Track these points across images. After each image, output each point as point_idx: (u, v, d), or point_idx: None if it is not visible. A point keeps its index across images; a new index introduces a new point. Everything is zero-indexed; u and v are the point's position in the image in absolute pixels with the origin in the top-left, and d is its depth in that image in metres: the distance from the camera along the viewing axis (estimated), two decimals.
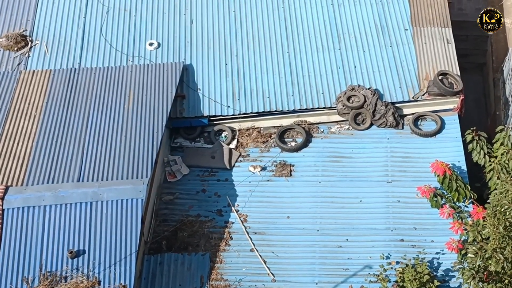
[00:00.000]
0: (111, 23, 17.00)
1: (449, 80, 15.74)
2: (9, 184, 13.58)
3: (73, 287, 12.39)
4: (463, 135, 14.44)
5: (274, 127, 15.74)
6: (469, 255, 12.21)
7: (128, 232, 12.94)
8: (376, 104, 15.43)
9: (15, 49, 16.51)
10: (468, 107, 16.73)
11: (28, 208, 13.18)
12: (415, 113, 15.62)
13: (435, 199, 13.81)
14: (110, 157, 14.03)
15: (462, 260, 12.65)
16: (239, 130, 15.76)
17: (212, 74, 16.19)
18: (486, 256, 11.87)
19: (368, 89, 15.67)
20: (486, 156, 13.68)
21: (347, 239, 13.94)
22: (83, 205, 13.22)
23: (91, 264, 12.69)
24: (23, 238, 12.90)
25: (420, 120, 15.62)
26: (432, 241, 13.77)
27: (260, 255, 13.83)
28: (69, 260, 12.70)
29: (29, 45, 16.62)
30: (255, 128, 15.78)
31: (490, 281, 12.00)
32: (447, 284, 13.23)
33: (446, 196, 13.92)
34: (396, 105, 15.60)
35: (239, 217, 14.37)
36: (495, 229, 11.61)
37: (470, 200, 13.84)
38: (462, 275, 12.10)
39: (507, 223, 11.56)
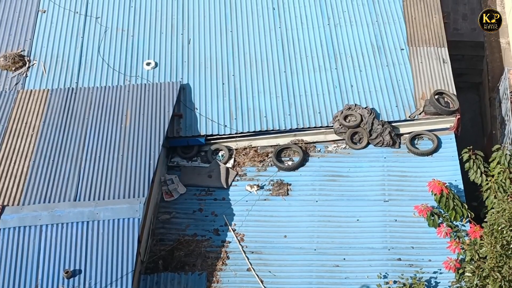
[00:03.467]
0: (109, 43, 17.05)
1: (446, 99, 15.80)
2: (5, 203, 13.54)
3: None
4: (459, 154, 14.47)
5: (271, 146, 15.75)
6: (466, 274, 12.18)
7: (125, 252, 12.88)
8: (372, 123, 15.45)
9: (13, 69, 16.55)
10: (465, 126, 16.78)
11: (24, 228, 13.13)
12: (411, 132, 15.65)
13: (432, 218, 13.76)
14: (106, 176, 14.01)
15: (460, 279, 12.62)
16: (236, 149, 15.77)
17: (209, 93, 16.22)
18: (484, 275, 11.85)
19: (365, 108, 15.71)
20: (483, 175, 13.70)
21: (344, 258, 13.90)
22: (80, 225, 13.17)
23: (87, 284, 12.60)
24: (19, 257, 12.84)
25: (416, 139, 15.64)
26: (429, 260, 13.74)
27: (257, 275, 13.77)
28: (65, 280, 12.63)
29: (27, 65, 16.66)
30: (252, 147, 15.79)
31: None
32: None
33: (443, 215, 13.89)
34: (393, 124, 15.63)
35: (236, 236, 14.33)
36: (492, 248, 11.60)
37: (467, 219, 13.82)
38: None
39: (504, 242, 11.56)
